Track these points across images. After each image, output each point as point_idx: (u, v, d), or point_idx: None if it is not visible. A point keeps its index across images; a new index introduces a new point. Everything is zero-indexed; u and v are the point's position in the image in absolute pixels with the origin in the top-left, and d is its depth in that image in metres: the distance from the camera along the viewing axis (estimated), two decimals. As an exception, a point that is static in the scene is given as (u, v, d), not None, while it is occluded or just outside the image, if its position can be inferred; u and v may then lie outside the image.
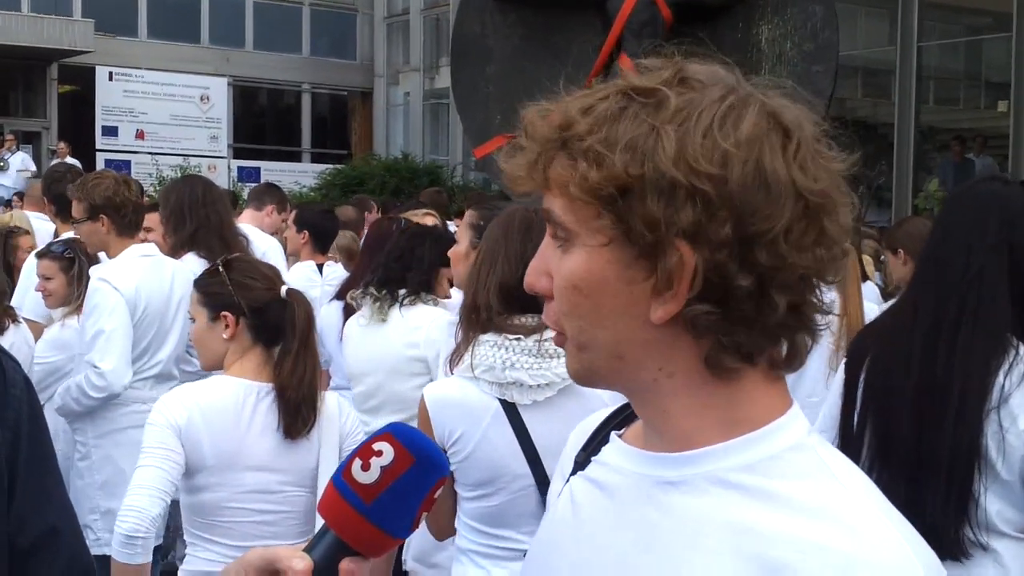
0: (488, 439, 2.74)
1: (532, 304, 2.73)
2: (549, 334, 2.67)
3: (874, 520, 1.15)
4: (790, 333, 1.18)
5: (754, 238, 1.12)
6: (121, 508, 3.01)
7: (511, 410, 2.74)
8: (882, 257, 7.10)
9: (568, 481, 1.37)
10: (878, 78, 18.39)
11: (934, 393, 2.61)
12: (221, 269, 3.23)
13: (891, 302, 4.30)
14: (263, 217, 6.77)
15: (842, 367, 2.93)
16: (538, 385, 2.72)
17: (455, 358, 2.87)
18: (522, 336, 2.73)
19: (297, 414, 3.13)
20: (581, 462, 1.36)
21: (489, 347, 2.75)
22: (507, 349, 2.74)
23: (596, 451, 1.35)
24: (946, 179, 15.27)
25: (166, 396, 3.17)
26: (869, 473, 2.66)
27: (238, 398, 3.12)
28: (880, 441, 2.71)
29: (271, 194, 7.10)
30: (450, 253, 3.65)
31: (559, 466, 1.46)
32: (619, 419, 1.38)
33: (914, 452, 2.63)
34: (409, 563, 3.57)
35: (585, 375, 1.23)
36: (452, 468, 2.81)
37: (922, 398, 2.63)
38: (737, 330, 1.15)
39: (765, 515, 1.14)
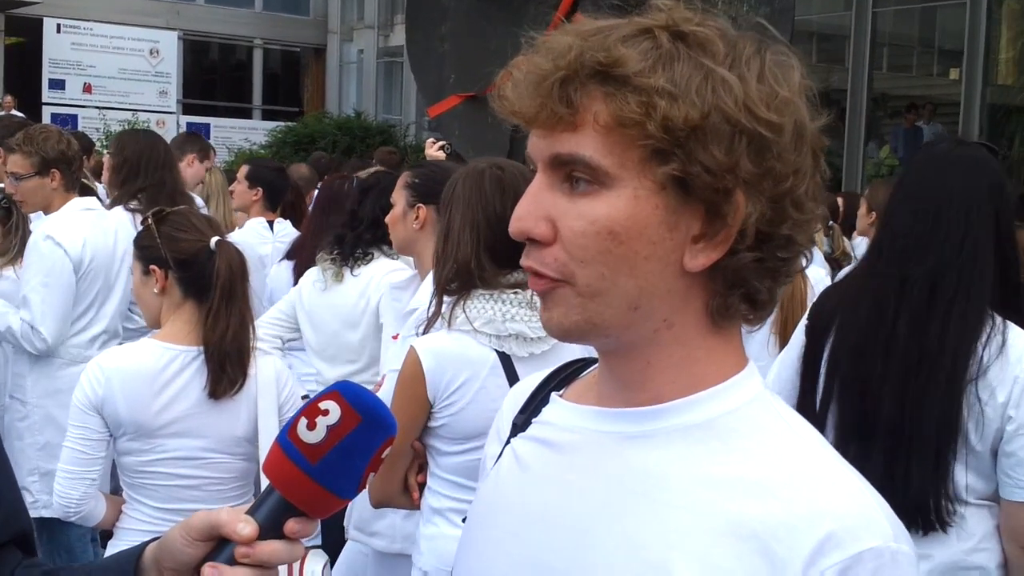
0: (486, 389, 2.75)
1: (520, 260, 2.73)
2: None
3: (834, 470, 1.16)
4: (782, 283, 1.20)
5: (792, 190, 1.13)
6: (53, 486, 3.14)
7: (507, 362, 2.76)
8: (830, 223, 7.15)
9: (508, 443, 1.35)
10: (833, 43, 18.45)
11: (923, 366, 2.58)
12: (151, 222, 3.17)
13: (847, 269, 4.29)
14: (184, 168, 6.66)
15: (800, 331, 2.90)
16: (537, 337, 2.74)
17: (430, 326, 2.86)
18: (519, 290, 2.74)
19: (222, 373, 3.08)
20: (520, 424, 1.34)
21: (484, 301, 2.77)
22: (504, 302, 2.76)
23: (536, 413, 1.33)
24: (897, 146, 15.40)
25: (90, 365, 3.15)
26: (838, 445, 2.65)
27: (159, 364, 3.08)
28: (853, 413, 2.67)
29: (192, 143, 6.96)
30: (387, 218, 3.61)
31: (494, 429, 1.44)
32: (556, 381, 1.37)
33: (897, 425, 2.60)
34: (351, 531, 3.55)
35: (582, 326, 1.17)
36: (441, 422, 2.81)
37: (910, 370, 2.60)
38: (765, 279, 1.16)
39: (728, 468, 1.14)
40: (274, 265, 5.62)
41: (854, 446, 2.61)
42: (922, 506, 2.55)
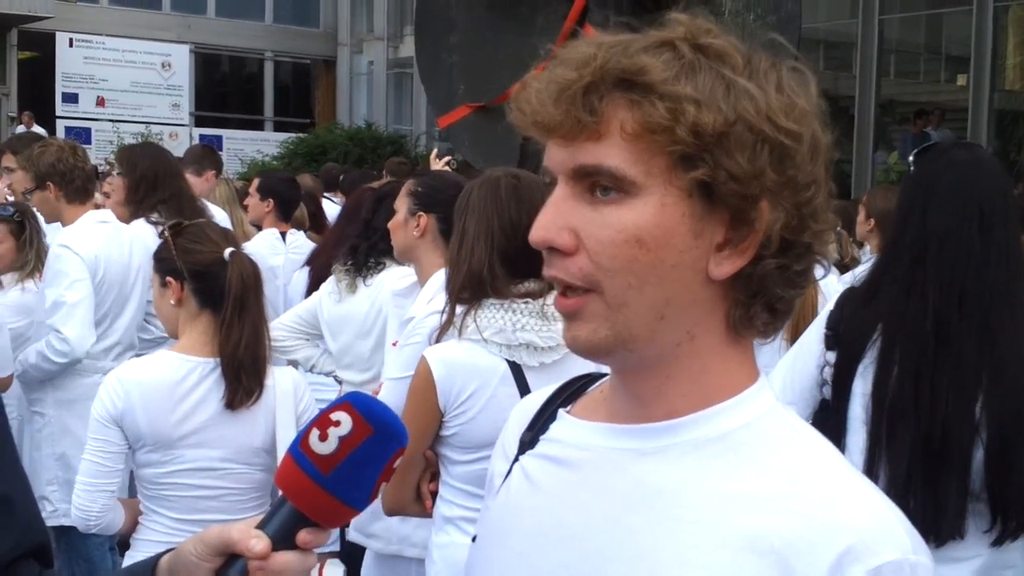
0: (497, 399, 2.75)
1: (534, 269, 2.74)
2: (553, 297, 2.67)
3: (851, 484, 1.15)
4: (800, 292, 1.20)
5: (811, 199, 1.15)
6: (72, 499, 3.15)
7: (517, 372, 2.76)
8: (838, 228, 7.12)
9: (516, 461, 1.34)
10: (840, 51, 18.39)
11: (998, 380, 2.54)
12: (168, 235, 3.20)
13: (860, 270, 4.25)
14: (202, 183, 6.67)
15: (819, 339, 2.81)
16: (548, 347, 2.74)
17: (443, 333, 2.86)
18: (530, 300, 2.75)
19: (237, 383, 3.09)
20: (528, 441, 1.33)
21: (495, 310, 2.77)
22: (515, 312, 2.76)
23: (544, 429, 1.32)
24: (905, 152, 15.36)
25: (108, 377, 3.16)
26: (897, 466, 2.56)
27: (177, 375, 3.09)
28: (915, 433, 2.58)
29: (210, 159, 6.95)
30: (390, 224, 3.62)
31: (500, 446, 1.43)
32: (563, 397, 1.36)
33: (972, 440, 2.54)
34: (351, 533, 3.57)
35: (611, 341, 1.16)
36: (453, 431, 2.81)
37: (978, 386, 2.54)
38: (787, 287, 1.17)
39: (744, 483, 1.14)
40: (295, 273, 5.65)
41: (920, 465, 2.56)
42: (1017, 507, 2.55)
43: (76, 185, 4.79)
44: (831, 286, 4.57)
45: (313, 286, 5.01)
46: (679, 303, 1.15)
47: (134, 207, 5.32)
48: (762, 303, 1.17)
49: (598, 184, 1.14)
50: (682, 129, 1.09)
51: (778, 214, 1.13)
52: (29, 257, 5.04)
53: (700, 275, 1.14)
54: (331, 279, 4.48)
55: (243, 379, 3.09)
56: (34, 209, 5.00)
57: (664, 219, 1.12)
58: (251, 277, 3.12)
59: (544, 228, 1.16)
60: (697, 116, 1.09)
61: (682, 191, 1.12)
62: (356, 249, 4.39)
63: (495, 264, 2.78)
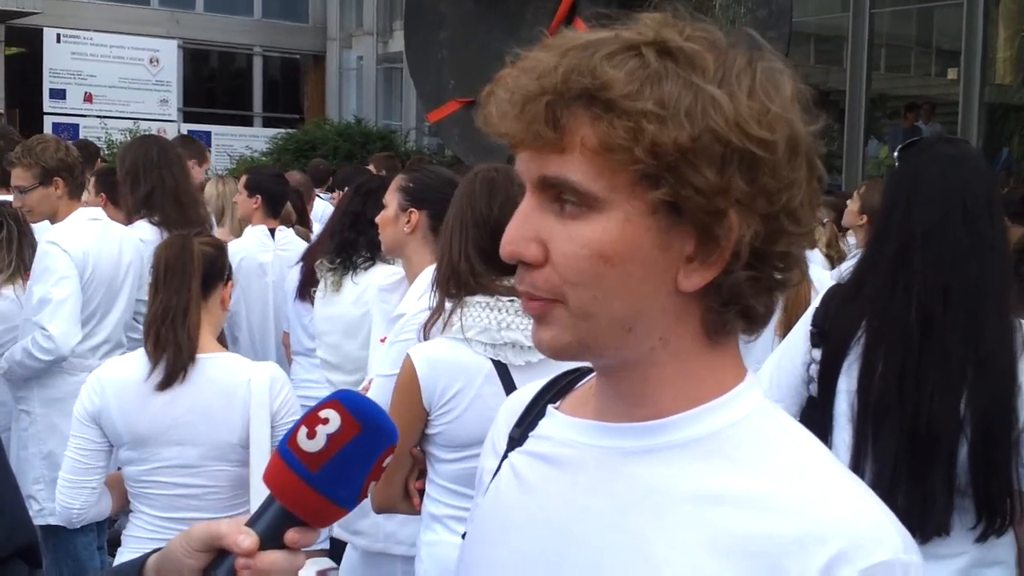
0: (482, 397, 2.75)
1: (514, 265, 2.73)
2: None
3: (842, 483, 1.14)
4: (779, 296, 1.18)
5: (787, 204, 1.11)
6: (55, 494, 3.23)
7: (503, 371, 2.75)
8: (824, 220, 7.13)
9: (505, 457, 1.33)
10: (831, 45, 18.42)
11: (982, 373, 2.54)
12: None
13: (846, 266, 4.26)
14: (200, 172, 6.66)
15: (805, 336, 2.82)
16: (533, 346, 2.72)
17: (431, 324, 2.86)
18: (515, 297, 2.74)
19: (155, 363, 3.12)
20: (517, 438, 1.32)
21: (481, 308, 2.76)
22: (500, 310, 2.76)
23: (532, 426, 1.31)
24: (896, 146, 15.35)
25: (90, 376, 3.22)
26: (884, 463, 2.57)
27: (148, 372, 3.13)
28: (901, 428, 2.59)
29: (186, 147, 6.88)
30: (378, 218, 3.62)
31: (489, 443, 1.42)
32: (552, 392, 1.35)
33: (958, 434, 2.55)
34: (335, 530, 3.56)
35: (573, 347, 1.16)
36: (438, 430, 2.81)
37: (963, 379, 2.55)
38: (761, 296, 1.15)
39: (734, 483, 1.13)
40: (291, 269, 5.65)
41: (905, 461, 2.56)
42: (1002, 502, 2.55)
43: (79, 181, 4.79)
44: (824, 281, 4.57)
45: (306, 281, 5.00)
46: (649, 314, 1.14)
47: (127, 202, 5.30)
48: (735, 311, 1.15)
49: (563, 196, 1.12)
50: (640, 150, 1.06)
51: (748, 226, 1.10)
52: (9, 259, 4.94)
53: (669, 285, 1.13)
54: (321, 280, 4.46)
55: (155, 355, 3.11)
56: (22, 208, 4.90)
57: (629, 234, 1.10)
58: (173, 257, 3.17)
59: (512, 242, 1.15)
60: (656, 135, 1.06)
61: (646, 207, 1.09)
62: (344, 245, 4.35)
63: (472, 257, 2.79)
